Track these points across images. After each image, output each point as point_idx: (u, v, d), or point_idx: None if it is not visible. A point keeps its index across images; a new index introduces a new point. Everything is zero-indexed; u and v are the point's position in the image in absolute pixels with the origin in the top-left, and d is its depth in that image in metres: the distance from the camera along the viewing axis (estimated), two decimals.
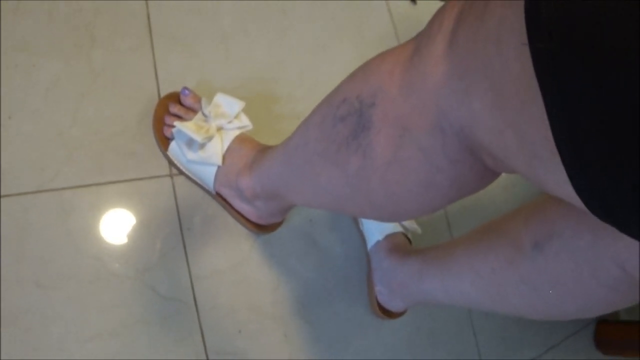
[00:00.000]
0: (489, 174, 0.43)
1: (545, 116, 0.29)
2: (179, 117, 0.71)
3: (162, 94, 0.75)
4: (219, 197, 0.72)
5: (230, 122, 0.69)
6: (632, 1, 0.23)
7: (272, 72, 0.85)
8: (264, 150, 0.67)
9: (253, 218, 0.73)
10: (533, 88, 0.29)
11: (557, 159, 0.29)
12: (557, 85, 0.27)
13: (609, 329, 0.98)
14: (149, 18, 0.77)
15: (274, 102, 0.84)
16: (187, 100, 0.71)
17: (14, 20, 0.70)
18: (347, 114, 0.45)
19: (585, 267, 0.47)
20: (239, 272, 0.74)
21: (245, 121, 0.70)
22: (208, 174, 0.70)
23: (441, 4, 1.03)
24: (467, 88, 0.35)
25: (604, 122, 0.25)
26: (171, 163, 0.72)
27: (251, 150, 0.69)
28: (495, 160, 0.39)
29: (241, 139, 0.70)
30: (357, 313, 0.81)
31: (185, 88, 0.71)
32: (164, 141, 0.71)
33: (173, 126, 0.68)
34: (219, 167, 0.69)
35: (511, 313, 0.60)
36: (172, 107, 0.71)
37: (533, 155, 0.32)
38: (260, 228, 0.74)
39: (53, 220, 0.66)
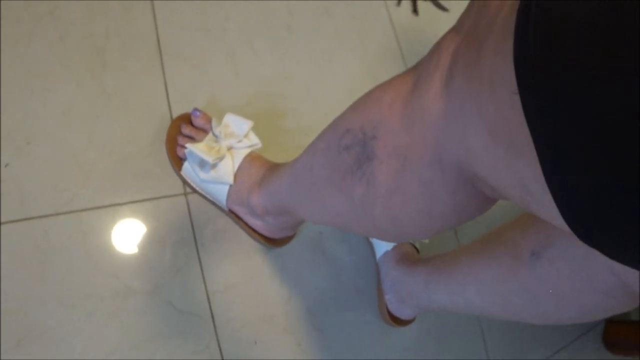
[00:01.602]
0: (489, 201, 0.44)
1: (536, 157, 0.30)
2: (191, 138, 0.73)
3: (174, 113, 0.77)
4: (232, 214, 0.74)
5: (240, 141, 0.72)
6: (623, 55, 0.24)
7: (279, 87, 0.87)
8: (273, 168, 0.69)
9: (265, 233, 0.75)
10: (525, 131, 0.30)
11: (549, 195, 0.31)
12: (547, 135, 0.28)
13: (618, 329, 0.99)
14: (158, 39, 0.79)
15: (281, 117, 0.85)
16: (198, 121, 0.73)
17: (28, 46, 0.72)
18: (351, 144, 0.47)
19: (581, 274, 0.49)
20: (253, 285, 0.77)
21: (254, 140, 0.73)
22: (221, 193, 0.72)
23: (442, 13, 1.05)
24: (463, 126, 0.37)
25: (595, 171, 0.27)
26: (185, 182, 0.75)
27: (261, 169, 0.71)
28: (494, 190, 0.40)
29: (251, 158, 0.72)
30: (368, 321, 0.83)
31: (196, 109, 0.73)
32: (177, 161, 0.74)
33: (185, 147, 0.70)
34: (230, 185, 0.71)
35: (514, 319, 0.62)
36: (184, 128, 0.73)
37: (527, 191, 0.34)
38: (273, 242, 0.76)
39: (72, 241, 0.68)
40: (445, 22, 1.05)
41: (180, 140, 0.73)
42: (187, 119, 0.75)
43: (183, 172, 0.73)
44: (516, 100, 0.29)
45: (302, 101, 0.87)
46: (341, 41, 0.93)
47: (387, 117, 0.44)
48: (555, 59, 0.27)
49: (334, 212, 0.53)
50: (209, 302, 0.74)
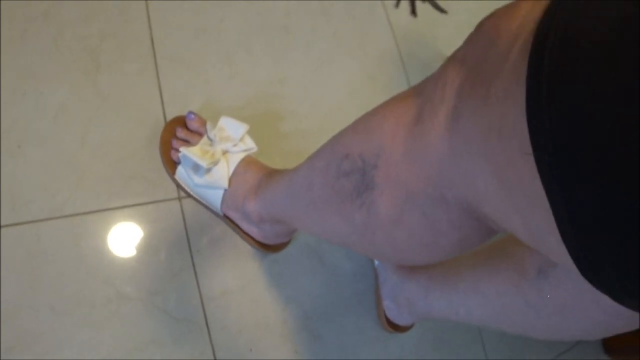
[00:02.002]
0: (493, 232, 0.43)
1: (548, 207, 0.28)
2: (185, 141, 0.71)
3: (168, 116, 0.76)
4: (227, 219, 0.73)
5: (235, 145, 0.70)
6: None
7: (276, 89, 0.86)
8: (269, 175, 0.68)
9: (260, 239, 0.74)
10: (538, 185, 0.28)
11: (564, 248, 0.29)
12: (563, 194, 0.27)
13: (618, 335, 0.98)
14: (152, 41, 0.78)
15: (279, 119, 0.84)
16: (193, 124, 0.72)
17: (21, 47, 0.71)
18: (351, 170, 0.45)
19: (587, 294, 0.48)
20: (248, 292, 0.75)
21: (250, 144, 0.71)
22: (215, 197, 0.71)
23: (441, 15, 1.03)
24: (470, 169, 0.35)
25: (613, 231, 0.25)
26: (179, 186, 0.73)
27: (257, 174, 0.70)
28: (502, 228, 0.39)
29: (247, 162, 0.71)
30: (365, 327, 0.82)
31: (190, 112, 0.72)
32: (171, 165, 0.72)
33: (179, 151, 0.69)
34: (225, 190, 0.70)
35: (516, 332, 0.61)
36: (178, 131, 0.72)
37: (541, 240, 0.32)
38: (268, 248, 0.74)
39: (65, 246, 0.67)
40: (443, 24, 1.04)
41: (175, 143, 0.71)
42: (181, 122, 0.73)
43: (177, 176, 0.72)
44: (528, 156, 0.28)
45: (299, 103, 0.86)
46: (339, 43, 0.92)
47: (388, 147, 0.42)
48: (572, 117, 0.25)
49: (332, 232, 0.52)
50: (204, 309, 0.72)
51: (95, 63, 0.74)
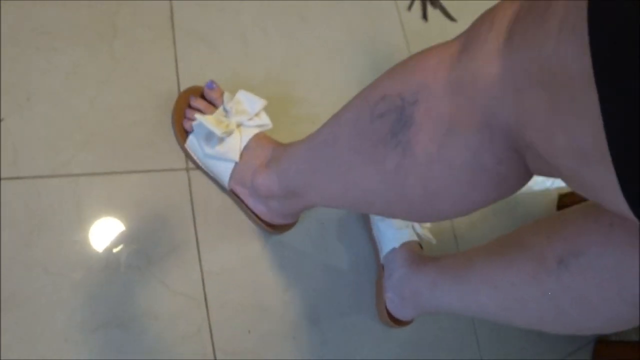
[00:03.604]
0: (527, 176, 0.43)
1: (599, 118, 0.29)
2: (199, 111, 0.70)
3: (182, 86, 0.74)
4: (233, 194, 0.71)
5: (250, 119, 0.69)
6: None
7: (289, 73, 0.85)
8: (283, 148, 0.67)
9: (266, 218, 0.72)
10: (589, 89, 0.29)
11: (607, 161, 0.29)
12: (615, 87, 0.27)
13: (607, 349, 0.98)
14: (172, 11, 0.78)
15: (290, 103, 0.84)
16: (211, 94, 0.70)
17: (39, 4, 0.69)
18: (387, 110, 0.44)
19: (610, 285, 0.47)
20: (251, 271, 0.73)
21: (265, 120, 0.70)
22: (224, 170, 0.69)
23: (451, 23, 1.06)
24: (520, 87, 0.35)
25: None
26: (188, 156, 0.71)
27: (269, 149, 0.68)
28: (539, 160, 0.38)
29: (260, 137, 0.69)
30: (364, 319, 0.80)
31: (212, 81, 0.70)
32: (182, 134, 0.71)
33: (193, 119, 0.67)
34: (235, 163, 0.68)
35: (527, 326, 0.59)
36: (193, 100, 0.71)
37: (582, 156, 0.32)
38: (273, 227, 0.73)
39: (65, 206, 0.64)
40: (452, 31, 1.06)
41: (189, 112, 0.70)
42: (196, 92, 0.72)
43: (188, 145, 0.70)
44: (584, 53, 0.28)
45: (312, 89, 0.86)
46: (352, 36, 0.93)
47: (431, 82, 0.41)
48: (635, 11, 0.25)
49: (358, 185, 0.50)
50: (203, 284, 0.70)
51: (112, 27, 0.73)
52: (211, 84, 0.70)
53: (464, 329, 0.90)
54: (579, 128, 0.31)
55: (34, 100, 0.66)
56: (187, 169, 0.72)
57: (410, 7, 0.99)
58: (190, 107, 0.71)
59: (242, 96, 0.69)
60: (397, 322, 0.78)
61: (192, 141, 0.70)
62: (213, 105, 0.71)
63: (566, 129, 0.33)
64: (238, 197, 0.71)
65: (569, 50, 0.31)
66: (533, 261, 0.55)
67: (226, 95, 0.70)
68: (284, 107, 0.83)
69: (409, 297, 0.74)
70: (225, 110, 0.69)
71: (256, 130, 0.70)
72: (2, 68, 0.65)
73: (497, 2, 0.42)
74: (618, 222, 0.46)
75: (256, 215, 0.72)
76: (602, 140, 0.29)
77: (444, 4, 1.06)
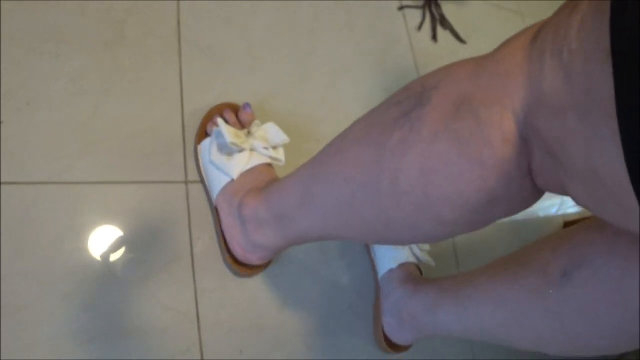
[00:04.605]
0: (529, 184, 0.41)
1: (611, 94, 0.30)
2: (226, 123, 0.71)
3: (185, 99, 0.74)
4: (216, 211, 0.69)
5: (266, 148, 0.69)
6: None
7: (295, 91, 0.84)
8: (281, 179, 0.65)
9: (234, 244, 0.68)
10: (605, 66, 0.30)
11: (618, 138, 0.30)
12: (631, 64, 0.28)
13: None
14: (179, 23, 0.77)
15: (295, 120, 0.83)
16: (244, 115, 0.71)
17: (45, 10, 0.69)
18: (405, 97, 0.44)
19: (615, 296, 0.46)
20: (245, 290, 0.71)
21: (280, 155, 0.70)
22: (218, 182, 0.68)
23: (460, 45, 1.06)
24: (541, 68, 0.36)
25: None
26: (195, 158, 0.72)
27: (269, 179, 0.68)
28: (545, 154, 0.38)
29: (266, 167, 0.69)
30: (359, 344, 0.78)
31: (248, 104, 0.72)
32: (202, 135, 0.72)
33: (216, 125, 0.68)
34: (231, 180, 0.67)
35: (530, 346, 0.57)
36: (226, 112, 0.72)
37: (593, 135, 0.33)
38: (236, 262, 0.69)
39: (60, 214, 0.63)
40: (461, 53, 1.06)
41: (216, 118, 0.70)
42: (233, 108, 0.73)
43: (200, 146, 0.71)
44: (604, 34, 0.30)
45: (318, 108, 0.85)
46: (361, 54, 0.92)
47: (455, 72, 0.43)
48: None
49: (350, 179, 0.48)
50: (196, 301, 0.68)
51: (118, 35, 0.72)
52: (247, 107, 0.72)
53: (461, 355, 0.88)
54: (591, 105, 0.32)
55: (34, 105, 0.65)
56: (186, 182, 0.71)
57: (419, 27, 0.99)
58: (220, 115, 0.72)
59: (270, 126, 0.70)
60: (394, 347, 0.76)
61: (205, 143, 0.70)
62: (241, 125, 0.72)
63: (578, 108, 0.34)
64: (218, 215, 0.69)
65: (588, 31, 0.33)
66: (537, 276, 0.53)
67: (256, 121, 0.71)
68: (288, 124, 0.82)
69: (407, 319, 0.72)
70: (249, 132, 0.69)
71: (267, 160, 0.69)
72: (2, 71, 0.64)
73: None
74: (622, 232, 0.45)
75: (224, 240, 0.68)
76: (614, 116, 0.30)
77: (454, 25, 1.05)
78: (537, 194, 0.43)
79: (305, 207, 0.57)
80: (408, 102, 0.44)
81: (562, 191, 0.39)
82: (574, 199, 0.39)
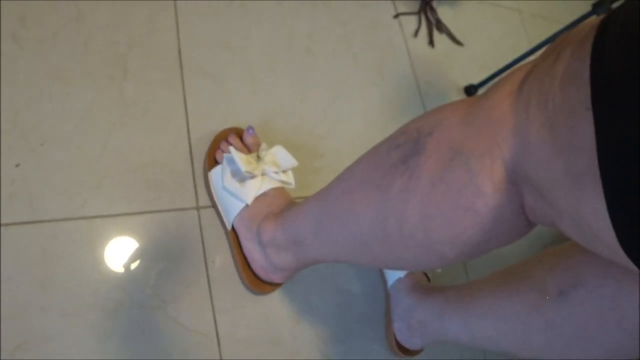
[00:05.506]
0: (522, 221, 0.44)
1: (593, 146, 0.32)
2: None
3: (191, 126, 0.76)
4: (232, 235, 0.72)
5: (277, 172, 0.71)
6: None
7: (296, 108, 0.87)
8: (296, 203, 0.68)
9: (256, 266, 0.71)
10: (586, 120, 0.32)
11: (601, 191, 0.32)
12: (609, 116, 0.30)
13: None
14: (180, 51, 0.79)
15: (298, 138, 0.85)
16: (249, 139, 0.73)
17: (51, 49, 0.71)
18: (403, 142, 0.47)
19: (610, 315, 0.48)
20: (261, 307, 0.74)
21: (290, 179, 0.73)
22: (233, 208, 0.71)
23: (457, 49, 1.06)
24: (527, 118, 0.38)
25: None
26: (206, 185, 0.74)
27: (284, 203, 0.70)
28: (536, 196, 0.40)
29: (279, 190, 0.72)
30: (374, 350, 0.81)
31: (251, 127, 0.74)
32: (211, 163, 0.74)
33: (227, 152, 0.70)
34: (246, 205, 0.70)
35: (533, 357, 0.60)
36: (232, 137, 0.74)
37: (578, 186, 0.35)
38: (257, 284, 0.72)
39: (79, 248, 0.66)
40: (458, 56, 1.07)
41: (224, 145, 0.72)
42: (237, 132, 0.76)
43: (211, 173, 0.73)
44: (584, 89, 0.32)
45: (319, 123, 0.87)
46: (359, 68, 0.94)
47: (449, 117, 0.45)
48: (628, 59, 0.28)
49: (359, 219, 0.51)
50: (215, 321, 0.71)
51: (122, 69, 0.75)
52: (251, 130, 0.74)
53: (473, 355, 0.90)
54: (574, 157, 0.35)
55: (48, 145, 0.68)
56: (198, 208, 0.74)
57: (416, 34, 1.00)
58: (227, 141, 0.74)
59: (278, 150, 0.72)
60: (406, 351, 0.79)
61: (216, 171, 0.72)
62: (248, 149, 0.74)
63: (563, 158, 0.36)
64: (236, 237, 0.72)
65: (571, 88, 0.34)
66: (536, 292, 0.56)
67: (263, 145, 0.73)
68: (291, 142, 0.84)
69: (416, 326, 0.75)
70: (259, 157, 0.72)
71: (278, 185, 0.72)
72: (18, 114, 0.67)
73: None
74: None
75: (245, 263, 0.72)
76: (595, 166, 0.32)
77: (450, 28, 1.06)
78: (531, 226, 0.45)
79: (318, 238, 0.61)
80: (405, 147, 0.46)
81: (554, 227, 0.42)
82: (565, 234, 0.41)
